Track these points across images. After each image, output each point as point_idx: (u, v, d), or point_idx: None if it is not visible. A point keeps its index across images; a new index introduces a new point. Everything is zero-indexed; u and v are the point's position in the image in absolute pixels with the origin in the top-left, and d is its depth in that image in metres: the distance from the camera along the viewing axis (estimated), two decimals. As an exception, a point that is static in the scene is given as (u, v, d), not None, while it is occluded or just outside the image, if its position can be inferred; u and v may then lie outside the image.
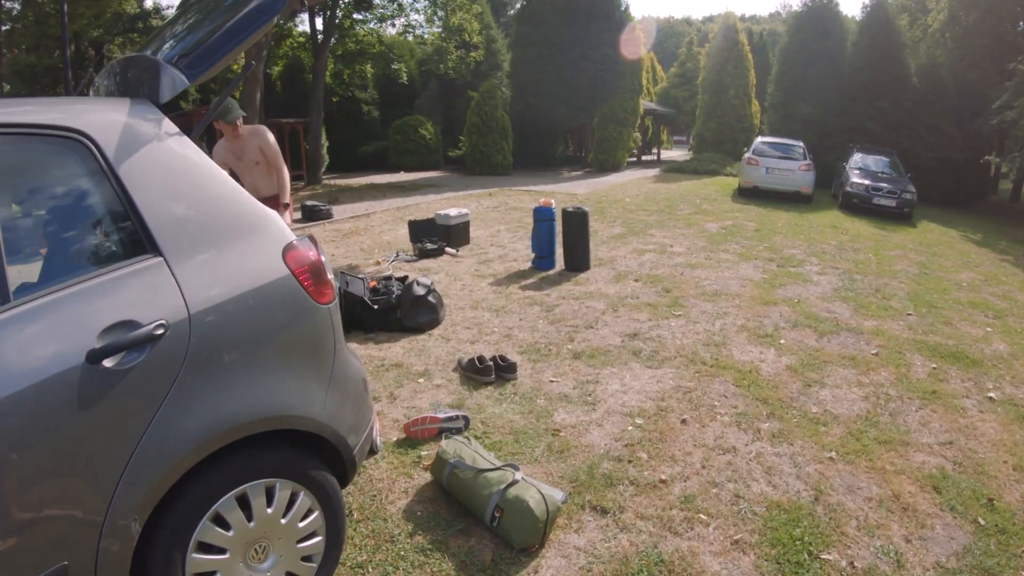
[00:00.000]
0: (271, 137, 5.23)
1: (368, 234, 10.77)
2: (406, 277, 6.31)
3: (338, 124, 24.77)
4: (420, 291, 5.45)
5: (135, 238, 2.06)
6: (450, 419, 3.64)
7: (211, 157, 4.98)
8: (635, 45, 22.17)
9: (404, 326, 5.42)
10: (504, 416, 3.82)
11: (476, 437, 3.58)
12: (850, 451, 3.55)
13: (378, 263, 8.22)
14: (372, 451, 3.52)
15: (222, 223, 2.22)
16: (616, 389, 4.13)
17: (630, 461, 3.36)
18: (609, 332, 5.12)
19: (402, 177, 20.75)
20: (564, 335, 5.08)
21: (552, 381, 4.25)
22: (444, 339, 5.17)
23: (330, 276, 2.50)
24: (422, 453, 3.47)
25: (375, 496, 3.15)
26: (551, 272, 7.16)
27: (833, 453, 3.52)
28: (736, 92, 23.80)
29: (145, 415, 1.93)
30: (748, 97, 24.06)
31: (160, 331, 1.94)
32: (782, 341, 5.06)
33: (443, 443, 3.24)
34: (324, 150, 23.36)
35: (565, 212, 7.20)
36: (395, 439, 3.65)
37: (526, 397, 4.04)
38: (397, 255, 8.52)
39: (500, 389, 4.17)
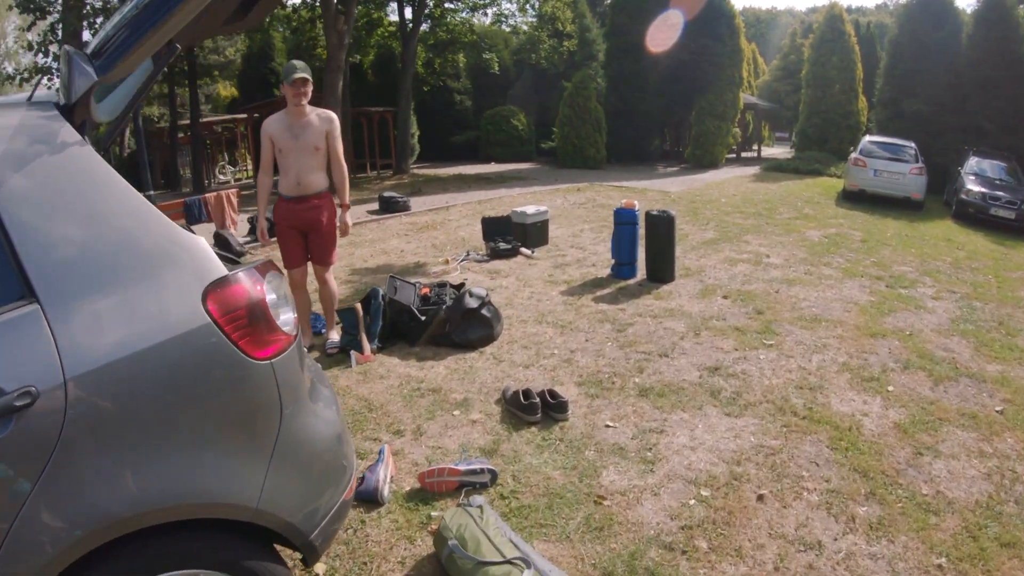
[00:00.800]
0: (338, 124, 4.67)
1: (443, 229, 10.30)
2: (462, 285, 5.74)
3: (430, 113, 24.57)
4: (472, 303, 4.86)
5: (5, 278, 1.59)
6: (473, 472, 3.02)
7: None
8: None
9: (453, 341, 4.85)
10: (542, 470, 3.15)
11: (503, 497, 2.95)
12: (964, 555, 2.65)
13: (447, 262, 7.72)
14: (378, 502, 2.97)
15: (126, 256, 1.75)
16: (683, 443, 3.37)
17: (684, 551, 2.62)
18: (686, 363, 4.36)
19: (491, 168, 20.28)
20: (633, 364, 4.36)
21: (609, 426, 3.55)
22: (495, 360, 4.56)
23: (285, 316, 1.94)
24: (433, 513, 2.86)
25: (366, 564, 2.59)
26: (631, 282, 6.42)
27: (944, 559, 2.63)
28: (842, 87, 21.85)
29: (8, 508, 1.48)
30: (855, 92, 22.07)
31: (25, 401, 1.49)
32: (890, 388, 4.13)
33: (447, 516, 2.61)
34: (415, 139, 23.19)
35: (649, 216, 6.43)
36: (408, 488, 3.07)
37: (573, 446, 3.36)
38: (468, 254, 7.98)
39: (545, 432, 3.51)
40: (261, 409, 1.86)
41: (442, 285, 5.63)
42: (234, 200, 10.66)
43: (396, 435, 3.61)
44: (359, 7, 21.04)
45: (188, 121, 23.37)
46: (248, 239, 10.72)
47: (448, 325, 4.86)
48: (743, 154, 26.51)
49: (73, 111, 1.89)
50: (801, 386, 4.04)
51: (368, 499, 2.96)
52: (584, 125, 19.99)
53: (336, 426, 2.21)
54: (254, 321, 1.82)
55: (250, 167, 24.45)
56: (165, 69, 3.20)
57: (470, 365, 4.49)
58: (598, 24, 25.28)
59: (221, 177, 26.68)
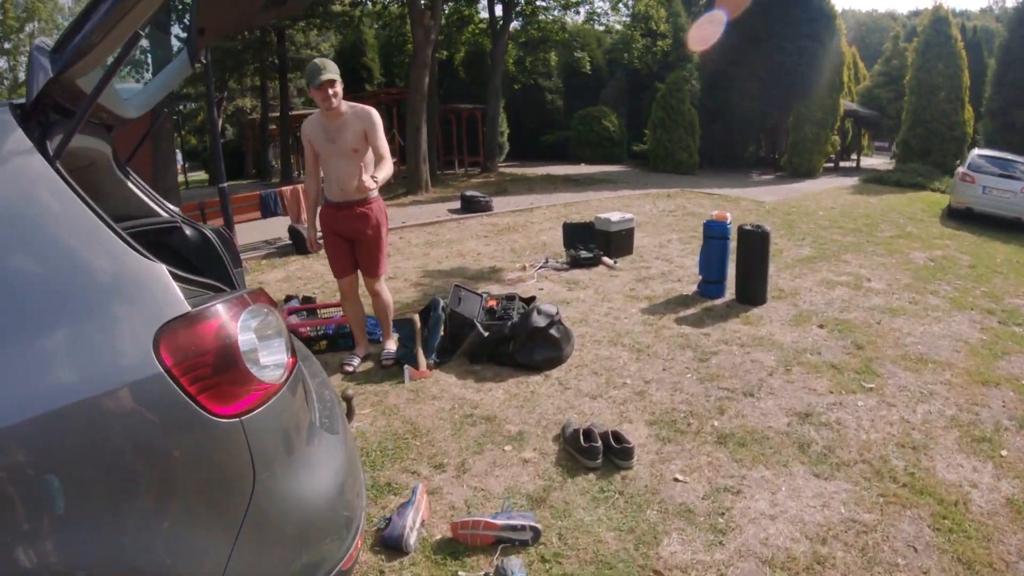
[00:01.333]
0: (379, 122, 4.21)
1: (524, 232, 9.95)
2: (532, 299, 5.33)
3: (521, 112, 24.33)
4: (540, 322, 4.44)
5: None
6: (513, 528, 2.62)
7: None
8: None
9: (516, 362, 4.45)
10: (594, 530, 2.71)
11: (543, 560, 2.53)
12: None
13: (524, 268, 7.34)
14: (402, 550, 2.61)
15: (67, 288, 1.47)
16: (762, 510, 2.84)
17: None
18: (774, 406, 3.80)
19: (581, 170, 19.80)
20: (713, 402, 3.85)
21: (678, 480, 3.06)
22: (560, 386, 4.14)
23: (271, 359, 1.64)
24: (462, 573, 2.48)
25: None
26: (718, 302, 5.86)
27: None
28: (947, 95, 20.08)
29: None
30: (961, 101, 20.27)
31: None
32: (1003, 452, 3.44)
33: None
34: (504, 138, 22.95)
35: (742, 231, 5.84)
36: (439, 537, 2.71)
37: (634, 502, 2.90)
38: (547, 261, 7.57)
39: (604, 481, 3.06)
40: (225, 475, 1.55)
41: (511, 298, 5.25)
42: None
43: (437, 469, 3.25)
44: (449, 3, 20.96)
45: (278, 113, 23.84)
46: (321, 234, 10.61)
47: (512, 344, 4.47)
48: (841, 163, 25.01)
49: (37, 113, 1.73)
50: (903, 444, 3.43)
51: (392, 545, 2.63)
52: (677, 128, 19.24)
53: (338, 476, 1.90)
54: (220, 370, 1.51)
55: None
56: (203, 62, 2.97)
57: (532, 391, 4.09)
58: (693, 23, 24.41)
59: (314, 169, 27.18)
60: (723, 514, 2.81)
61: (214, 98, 8.96)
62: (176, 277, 1.66)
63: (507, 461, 3.28)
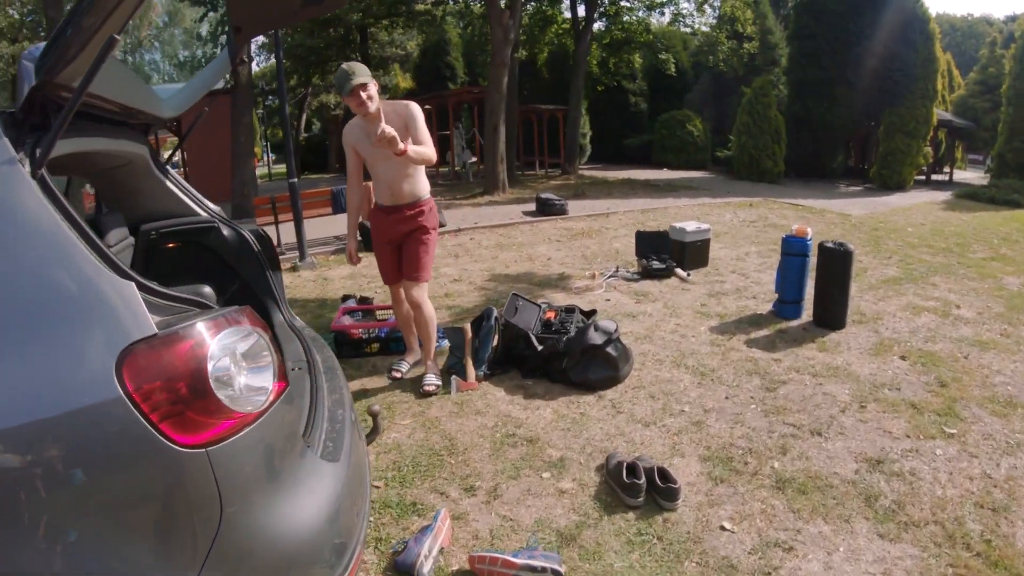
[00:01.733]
0: (419, 114, 3.94)
1: (598, 238, 9.70)
2: (592, 313, 5.09)
3: (604, 114, 23.98)
4: (597, 339, 4.20)
5: None
6: (533, 569, 2.41)
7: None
8: None
9: (570, 380, 4.23)
10: (625, 579, 2.49)
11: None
12: None
13: (593, 276, 7.11)
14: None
15: (27, 302, 1.41)
16: (815, 572, 2.51)
17: None
18: (842, 448, 3.43)
19: (662, 175, 19.33)
20: (776, 440, 3.51)
21: (724, 528, 2.76)
22: (613, 409, 3.89)
23: (247, 383, 1.55)
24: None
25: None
26: (793, 324, 5.46)
27: None
28: None
29: None
30: None
31: None
32: None
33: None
34: (586, 140, 22.65)
35: (823, 249, 5.41)
36: (456, 568, 2.55)
37: (673, 550, 2.63)
38: (617, 270, 7.31)
39: (644, 522, 2.80)
40: (188, 507, 1.45)
41: (570, 311, 5.02)
42: None
43: (467, 492, 3.08)
44: (532, 3, 20.76)
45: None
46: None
47: (566, 360, 4.24)
48: (933, 177, 23.44)
49: (31, 120, 1.71)
50: (982, 503, 3.00)
51: (405, 572, 2.47)
52: (762, 135, 18.47)
53: (331, 505, 1.78)
54: (186, 397, 1.42)
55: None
56: (245, 60, 2.89)
57: (582, 412, 3.86)
58: (781, 26, 23.44)
59: (394, 164, 27.55)
60: (769, 574, 2.52)
61: (286, 94, 9.07)
62: (157, 294, 1.62)
63: (543, 489, 3.07)
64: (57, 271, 1.44)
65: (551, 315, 4.91)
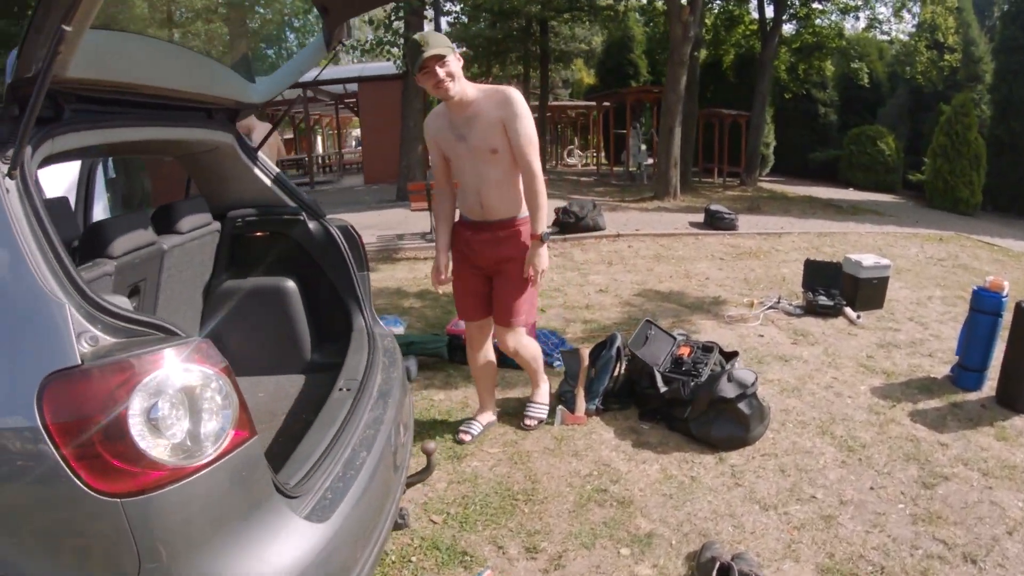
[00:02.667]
0: (523, 110, 3.07)
1: (765, 260, 8.84)
2: (733, 355, 4.45)
3: (790, 124, 22.32)
4: (728, 391, 3.58)
5: None
6: None
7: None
8: None
9: (691, 433, 3.67)
10: None
11: None
12: None
13: (751, 305, 6.40)
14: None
15: None
16: None
17: None
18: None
19: (847, 195, 17.60)
20: (918, 561, 2.71)
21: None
22: (732, 479, 3.28)
23: (180, 432, 1.38)
24: None
25: None
26: (972, 396, 4.41)
27: None
28: None
29: None
30: None
31: None
32: None
33: None
34: (769, 150, 21.24)
35: (1021, 309, 4.40)
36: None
37: None
38: (778, 301, 6.52)
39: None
40: (102, 555, 1.37)
41: (708, 349, 4.40)
42: None
43: (527, 552, 2.68)
44: (717, 2, 19.60)
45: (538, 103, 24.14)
46: (550, 229, 10.28)
47: (690, 409, 3.69)
48: None
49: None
50: None
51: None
52: (960, 159, 15.95)
53: (296, 571, 1.59)
54: (103, 441, 1.30)
55: (599, 154, 24.51)
56: (344, 43, 2.73)
57: (693, 476, 3.30)
58: (986, 38, 20.50)
59: (569, 160, 27.41)
60: None
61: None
62: (118, 316, 1.47)
63: (615, 568, 2.58)
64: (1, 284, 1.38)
65: (685, 351, 4.34)
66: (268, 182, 3.12)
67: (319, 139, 39.01)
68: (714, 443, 3.57)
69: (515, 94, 3.06)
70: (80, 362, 1.31)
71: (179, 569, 1.39)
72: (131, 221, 2.54)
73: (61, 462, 1.27)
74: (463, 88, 3.02)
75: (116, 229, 2.42)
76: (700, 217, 11.50)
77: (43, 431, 1.27)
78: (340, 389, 2.48)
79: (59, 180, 4.34)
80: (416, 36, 2.93)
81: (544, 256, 3.27)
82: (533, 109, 25.58)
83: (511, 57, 24.92)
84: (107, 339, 1.39)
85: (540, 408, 3.82)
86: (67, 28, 1.35)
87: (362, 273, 3.15)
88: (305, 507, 1.72)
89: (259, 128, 7.22)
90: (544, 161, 24.48)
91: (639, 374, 4.10)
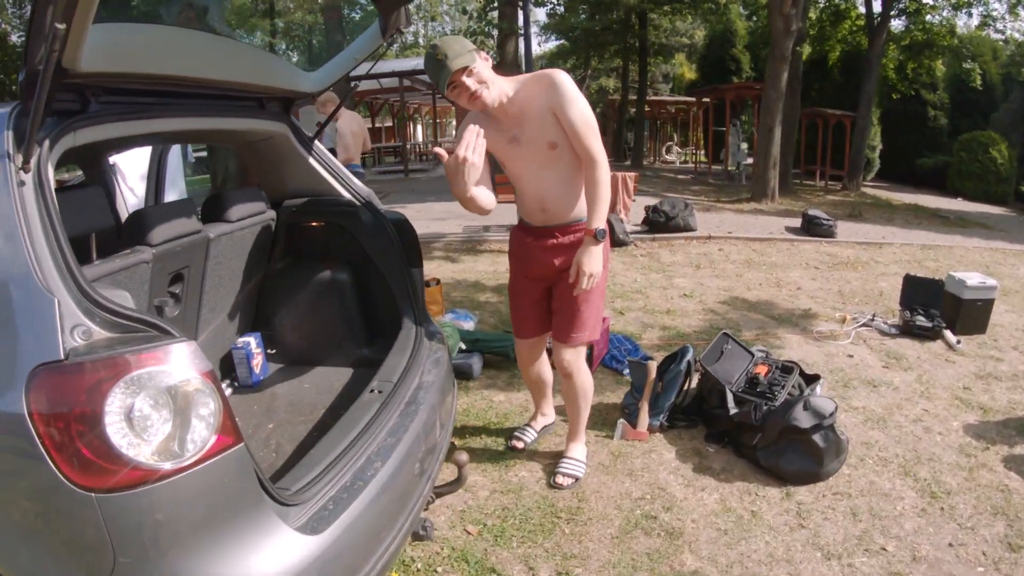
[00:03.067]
0: (571, 87, 2.64)
1: (864, 272, 8.31)
2: (816, 378, 4.13)
3: (897, 127, 21.08)
4: (803, 421, 3.28)
5: None
6: None
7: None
8: None
9: (758, 461, 3.40)
10: None
11: None
12: None
13: (843, 320, 6.00)
14: None
15: None
16: None
17: None
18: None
19: (955, 205, 16.45)
20: None
21: None
22: (797, 518, 2.99)
23: (158, 437, 1.40)
24: None
25: None
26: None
27: None
28: None
29: None
30: None
31: None
32: None
33: None
34: (875, 154, 20.12)
35: None
36: None
37: None
38: (873, 318, 6.07)
39: None
40: (79, 544, 1.40)
41: (787, 369, 4.08)
42: (630, 184, 10.06)
43: (560, 582, 2.49)
44: None
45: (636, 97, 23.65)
46: (638, 228, 10.04)
47: (760, 436, 3.42)
48: None
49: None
50: None
51: None
52: None
53: None
54: (80, 436, 1.33)
55: (698, 152, 23.86)
56: (402, 30, 2.67)
57: (754, 511, 3.04)
58: None
59: (667, 157, 26.76)
60: None
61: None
62: (113, 312, 1.48)
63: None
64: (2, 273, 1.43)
65: (762, 370, 4.05)
66: (323, 172, 3.08)
67: (418, 128, 39.62)
68: (782, 475, 3.29)
69: (560, 76, 2.65)
70: (64, 357, 1.34)
71: (153, 568, 1.41)
72: (174, 209, 2.55)
73: (43, 451, 1.31)
74: (500, 90, 2.64)
75: (157, 217, 2.43)
76: (797, 222, 10.98)
77: (28, 419, 1.31)
78: (371, 391, 2.41)
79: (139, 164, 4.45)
80: (431, 48, 2.54)
81: (595, 257, 2.74)
82: (631, 104, 25.21)
83: (609, 50, 24.51)
84: (102, 334, 1.43)
85: (575, 465, 3.27)
86: (59, 26, 1.36)
87: (415, 270, 3.06)
88: (300, 517, 1.68)
89: (345, 116, 7.28)
90: (641, 157, 24.02)
91: (710, 391, 3.86)
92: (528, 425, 3.66)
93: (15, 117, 1.60)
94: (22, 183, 1.51)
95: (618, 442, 3.62)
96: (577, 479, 3.20)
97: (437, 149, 2.63)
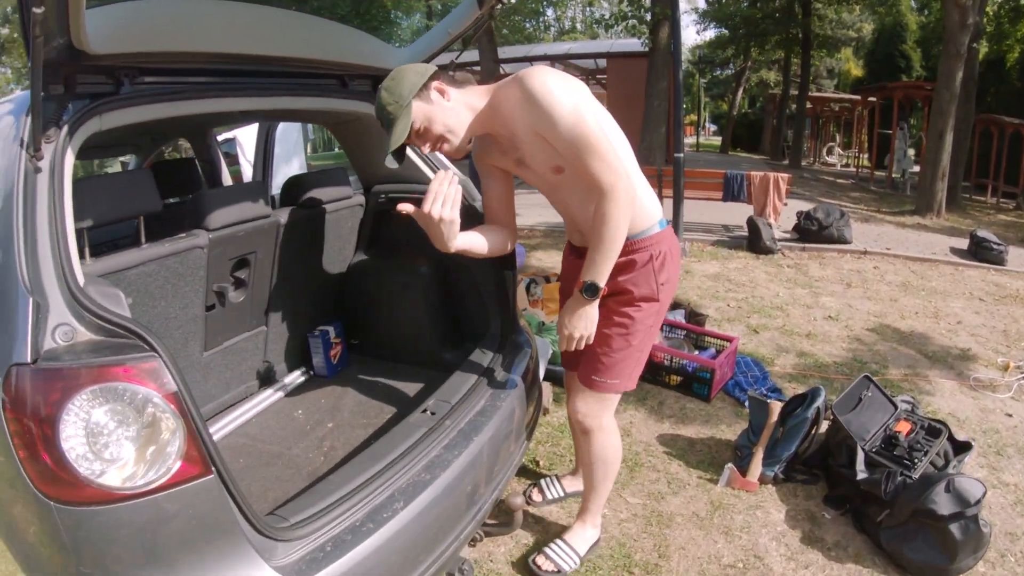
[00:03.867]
0: (545, 90, 1.93)
1: (1039, 307, 7.24)
2: (965, 448, 3.45)
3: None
4: (943, 506, 2.65)
5: None
6: None
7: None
8: None
9: (878, 541, 2.84)
10: None
11: None
12: None
13: (1006, 368, 5.16)
14: None
15: None
16: None
17: None
18: None
19: None
20: None
21: None
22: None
23: (120, 458, 1.35)
24: None
25: None
26: None
27: None
28: None
29: None
30: None
31: None
32: None
33: None
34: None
35: None
36: None
37: None
38: (1043, 364, 5.22)
39: None
40: (48, 550, 1.38)
41: (934, 431, 3.40)
42: (782, 186, 9.28)
43: None
44: None
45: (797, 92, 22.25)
46: (788, 235, 9.28)
47: (886, 513, 2.85)
48: None
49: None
50: None
51: None
52: None
53: None
54: (43, 442, 1.30)
55: (861, 155, 22.13)
56: (503, 2, 2.35)
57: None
58: None
59: (828, 159, 25.00)
60: None
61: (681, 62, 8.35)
62: (98, 315, 1.43)
63: None
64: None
65: (904, 428, 3.42)
66: (415, 157, 2.85)
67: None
68: (904, 565, 2.73)
69: (531, 82, 1.94)
70: (31, 360, 1.32)
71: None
72: (238, 192, 2.44)
73: (14, 451, 1.30)
74: (470, 120, 2.08)
75: (217, 201, 2.32)
76: (963, 242, 9.81)
77: (3, 415, 1.31)
78: (423, 411, 2.16)
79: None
80: (378, 95, 2.00)
81: (583, 318, 2.12)
82: (792, 99, 23.73)
83: (770, 40, 23.15)
84: (86, 335, 1.40)
85: (566, 555, 2.57)
86: (37, 11, 1.30)
87: (508, 271, 2.73)
88: (289, 554, 1.55)
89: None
90: (800, 157, 22.51)
91: (838, 445, 3.30)
92: (558, 478, 3.10)
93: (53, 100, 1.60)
94: (38, 170, 1.49)
95: (721, 489, 3.18)
96: (560, 573, 2.53)
97: (401, 206, 2.06)
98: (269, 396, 2.99)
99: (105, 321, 1.43)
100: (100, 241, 2.97)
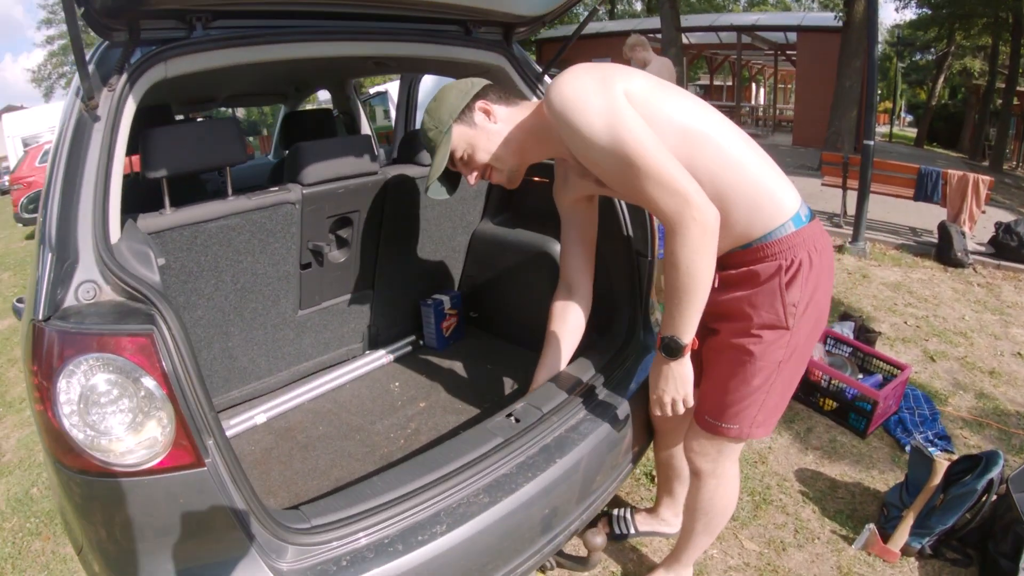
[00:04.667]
0: (572, 105, 1.53)
1: None
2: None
3: None
4: None
5: None
6: None
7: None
8: None
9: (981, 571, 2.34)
10: None
11: None
12: None
13: None
14: None
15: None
16: None
17: None
18: None
19: None
20: None
21: None
22: None
23: (136, 436, 1.27)
24: None
25: None
26: None
27: None
28: None
29: None
30: None
31: None
32: None
33: None
34: None
35: None
36: None
37: None
38: None
39: None
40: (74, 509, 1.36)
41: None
42: (982, 190, 7.93)
43: None
44: None
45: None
46: (982, 248, 8.03)
47: (995, 538, 2.31)
48: None
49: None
50: None
51: None
52: None
53: None
54: (50, 403, 1.23)
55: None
56: None
57: None
58: None
59: (1035, 161, 21.94)
60: None
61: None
62: (121, 278, 1.36)
63: None
64: (50, 212, 1.42)
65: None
66: None
67: (761, 91, 37.19)
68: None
69: (550, 91, 1.59)
70: (41, 318, 1.28)
71: (112, 559, 1.35)
72: (340, 147, 2.23)
73: (40, 407, 1.27)
74: (517, 138, 1.79)
75: (313, 155, 2.14)
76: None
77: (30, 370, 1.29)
78: (508, 415, 1.86)
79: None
80: (421, 123, 1.85)
81: (670, 379, 1.74)
82: (998, 93, 20.95)
83: (978, 24, 20.33)
84: (109, 296, 1.35)
85: None
86: None
87: (641, 259, 2.36)
88: (298, 560, 1.39)
89: (655, 62, 6.57)
90: (1003, 159, 19.85)
91: (1005, 528, 2.68)
92: (633, 512, 2.69)
93: (100, 52, 1.55)
94: (95, 119, 1.45)
95: (856, 552, 2.70)
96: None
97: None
98: (371, 362, 2.87)
99: (123, 282, 1.36)
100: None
